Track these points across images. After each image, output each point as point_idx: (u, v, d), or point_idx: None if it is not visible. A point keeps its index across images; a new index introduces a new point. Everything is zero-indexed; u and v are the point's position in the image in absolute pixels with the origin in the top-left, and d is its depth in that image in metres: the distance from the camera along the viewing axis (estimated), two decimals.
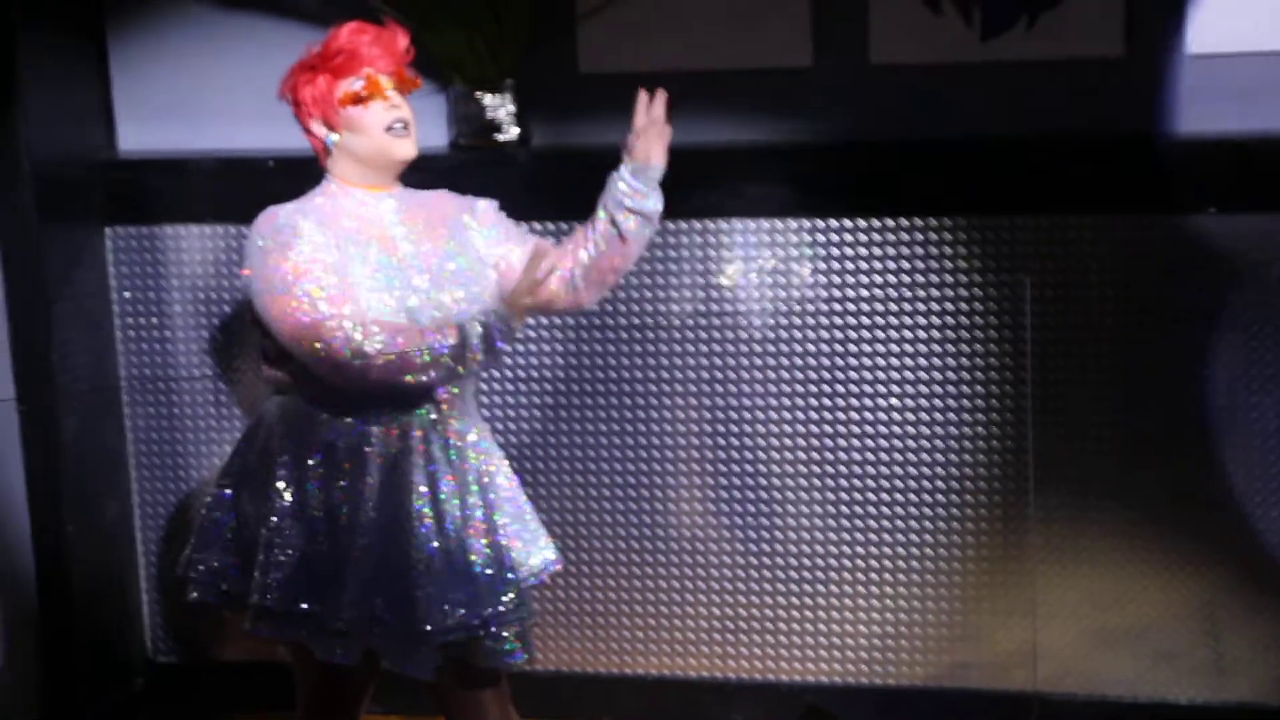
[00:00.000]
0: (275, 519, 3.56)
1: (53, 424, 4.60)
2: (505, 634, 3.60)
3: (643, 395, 4.63)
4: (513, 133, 4.55)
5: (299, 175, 4.54)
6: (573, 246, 3.70)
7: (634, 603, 4.75)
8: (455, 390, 3.62)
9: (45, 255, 4.52)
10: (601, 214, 3.69)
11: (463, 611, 3.53)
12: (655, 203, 3.69)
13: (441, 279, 3.59)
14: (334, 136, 3.56)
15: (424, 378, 3.47)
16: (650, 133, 3.68)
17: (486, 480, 3.66)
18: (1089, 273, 4.38)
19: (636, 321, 4.60)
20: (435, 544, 3.55)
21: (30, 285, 4.51)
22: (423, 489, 3.56)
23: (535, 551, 3.72)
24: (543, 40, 4.55)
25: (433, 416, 3.59)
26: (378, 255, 3.54)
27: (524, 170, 4.55)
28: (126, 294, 4.80)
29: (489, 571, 3.59)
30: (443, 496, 3.57)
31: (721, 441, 4.62)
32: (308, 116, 3.57)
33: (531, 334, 4.62)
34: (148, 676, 4.97)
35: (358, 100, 3.53)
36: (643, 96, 3.69)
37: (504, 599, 3.59)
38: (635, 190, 3.66)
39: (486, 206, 3.76)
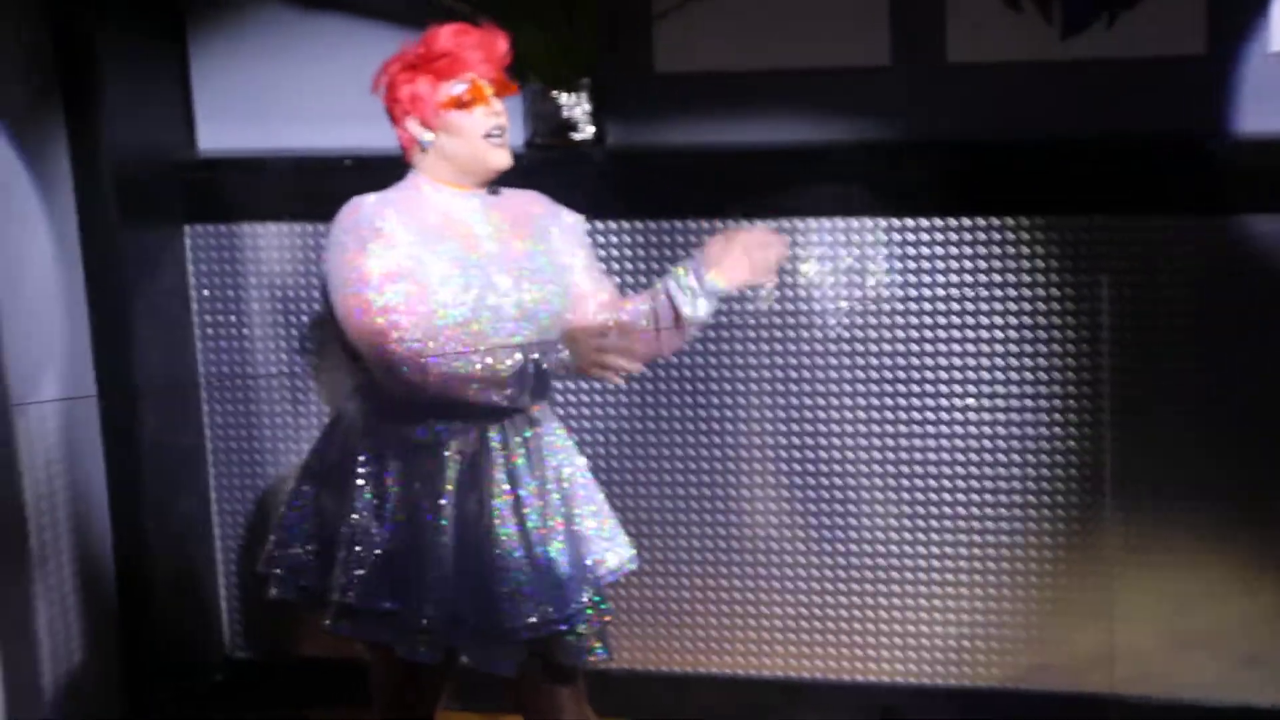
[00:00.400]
0: (356, 516, 3.58)
1: (132, 421, 4.64)
2: (586, 631, 3.62)
3: (717, 394, 4.63)
4: (588, 132, 4.54)
5: (376, 174, 4.58)
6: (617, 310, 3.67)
7: (708, 601, 4.75)
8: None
9: (125, 254, 4.55)
10: (648, 294, 3.65)
11: (545, 609, 3.54)
12: (699, 311, 3.61)
13: (522, 279, 3.58)
14: (429, 137, 3.55)
15: (479, 398, 3.48)
16: (737, 254, 3.61)
17: (566, 478, 3.67)
18: (1167, 273, 4.34)
19: (711, 320, 4.58)
20: (517, 542, 3.56)
21: (110, 283, 4.54)
22: (504, 487, 3.57)
23: (613, 549, 3.72)
24: (619, 39, 4.54)
25: (512, 416, 3.60)
26: (459, 252, 3.53)
27: (599, 169, 4.55)
28: (205, 292, 4.83)
29: (569, 569, 3.60)
30: (523, 495, 3.58)
31: (796, 441, 4.61)
32: (404, 114, 3.55)
33: None
34: (225, 672, 5.01)
35: (460, 105, 3.52)
36: (776, 237, 3.65)
37: (584, 597, 3.61)
38: (686, 288, 3.60)
39: (574, 224, 3.73)
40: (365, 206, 3.53)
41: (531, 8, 4.38)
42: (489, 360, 3.43)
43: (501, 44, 3.57)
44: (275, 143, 4.75)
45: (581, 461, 3.74)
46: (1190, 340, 4.36)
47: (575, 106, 4.52)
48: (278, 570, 3.73)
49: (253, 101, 4.78)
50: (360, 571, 3.55)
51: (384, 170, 4.53)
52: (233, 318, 4.83)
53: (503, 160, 3.56)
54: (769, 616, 4.72)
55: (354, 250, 3.47)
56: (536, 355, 3.47)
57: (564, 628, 3.59)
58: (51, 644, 4.52)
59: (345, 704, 4.78)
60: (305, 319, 4.79)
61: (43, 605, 4.48)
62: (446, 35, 3.52)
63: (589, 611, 3.62)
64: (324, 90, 4.70)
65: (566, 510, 3.65)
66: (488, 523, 3.55)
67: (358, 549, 3.57)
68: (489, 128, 3.53)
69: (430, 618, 3.52)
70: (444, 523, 3.55)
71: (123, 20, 4.53)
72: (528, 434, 3.62)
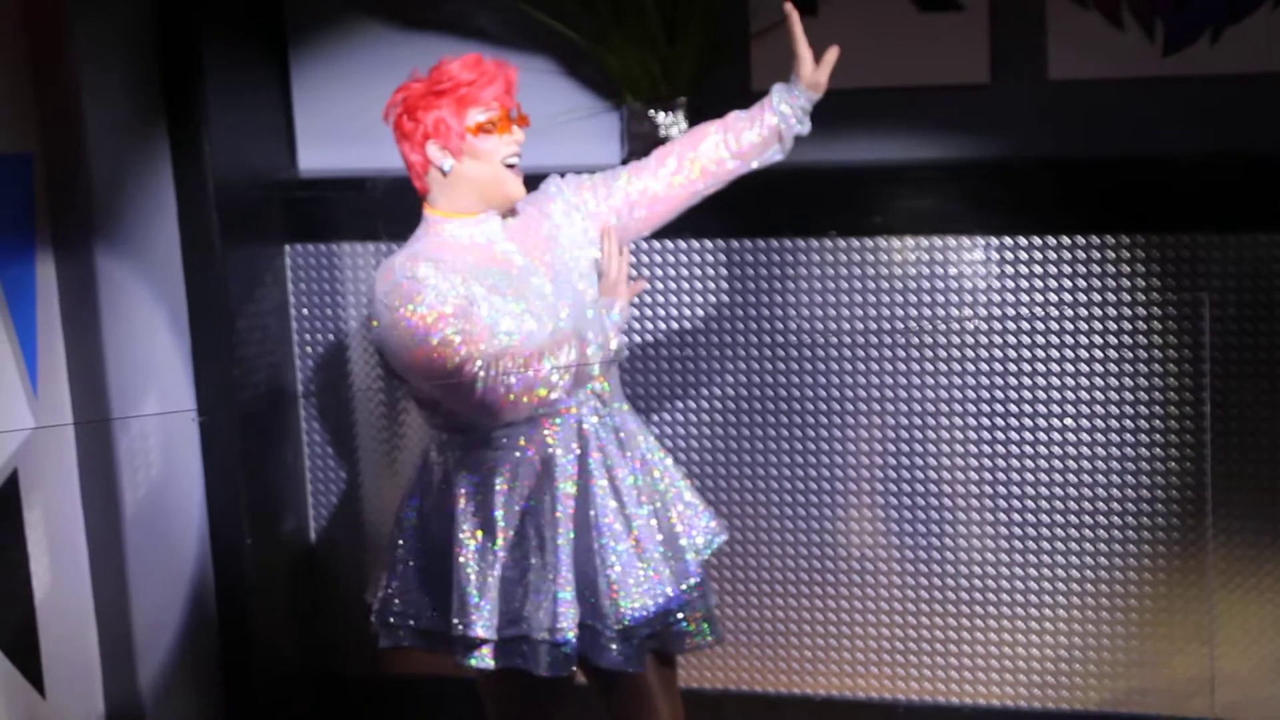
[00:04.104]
0: (468, 550, 3.60)
1: (232, 438, 4.68)
2: (696, 614, 3.69)
3: (812, 414, 4.62)
4: None
5: None
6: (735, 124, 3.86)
7: (803, 622, 4.74)
8: (606, 385, 3.67)
9: (227, 272, 4.60)
10: (772, 120, 3.81)
11: (659, 598, 3.61)
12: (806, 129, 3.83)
13: (562, 278, 3.64)
14: (451, 162, 3.58)
15: (561, 394, 3.51)
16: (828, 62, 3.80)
17: (655, 463, 3.74)
18: (1271, 291, 4.30)
19: (807, 340, 4.59)
20: (625, 538, 3.63)
21: (213, 301, 4.59)
22: (605, 487, 3.63)
23: (706, 526, 3.79)
24: (716, 59, 4.55)
25: (598, 412, 3.65)
26: (498, 274, 3.57)
27: None
28: (305, 310, 4.87)
29: (672, 555, 3.67)
30: (623, 491, 3.65)
31: (892, 460, 4.59)
32: (424, 139, 3.57)
33: (702, 352, 4.63)
34: (323, 691, 5.04)
35: (485, 130, 3.56)
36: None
37: (690, 580, 3.69)
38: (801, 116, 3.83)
39: (557, 189, 3.77)
40: (399, 265, 3.54)
41: (634, 30, 4.40)
42: (549, 367, 3.48)
43: (513, 74, 3.63)
44: (374, 163, 4.78)
45: (654, 441, 3.80)
46: None
47: (672, 126, 4.53)
48: (392, 619, 3.73)
49: (352, 123, 4.82)
50: (486, 602, 3.57)
51: None
52: (331, 336, 4.87)
53: (518, 189, 3.62)
54: (863, 637, 4.70)
55: (404, 307, 3.48)
56: (590, 320, 3.56)
57: (681, 615, 3.66)
58: (150, 664, 4.56)
59: None
60: None
61: (141, 624, 4.52)
62: (464, 66, 3.58)
63: (699, 595, 3.70)
64: None
65: (665, 494, 3.73)
66: (596, 526, 3.61)
67: (479, 581, 3.58)
68: (508, 154, 3.58)
69: (566, 633, 3.55)
70: (556, 538, 3.59)
71: (226, 44, 4.59)
72: (616, 426, 3.68)
